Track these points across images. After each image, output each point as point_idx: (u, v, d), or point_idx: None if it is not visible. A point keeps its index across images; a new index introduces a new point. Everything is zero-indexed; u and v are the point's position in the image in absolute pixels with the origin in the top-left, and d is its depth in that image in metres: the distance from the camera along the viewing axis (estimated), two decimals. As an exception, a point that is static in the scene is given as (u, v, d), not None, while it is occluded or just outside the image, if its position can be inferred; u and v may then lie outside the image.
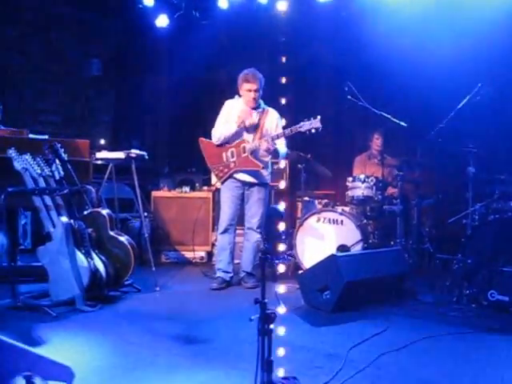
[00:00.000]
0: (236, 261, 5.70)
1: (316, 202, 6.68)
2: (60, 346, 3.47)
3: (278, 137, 5.14)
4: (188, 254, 6.80)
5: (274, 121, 5.35)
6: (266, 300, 2.58)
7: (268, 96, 5.42)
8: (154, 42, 8.36)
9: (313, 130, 4.91)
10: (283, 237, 5.82)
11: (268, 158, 5.45)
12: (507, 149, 5.77)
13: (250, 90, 5.26)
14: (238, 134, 5.29)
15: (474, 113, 5.41)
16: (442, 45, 6.04)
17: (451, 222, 5.67)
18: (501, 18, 5.65)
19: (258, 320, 2.55)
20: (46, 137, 5.51)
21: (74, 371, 2.42)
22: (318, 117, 4.89)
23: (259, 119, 5.33)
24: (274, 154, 5.24)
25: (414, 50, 6.09)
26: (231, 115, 5.36)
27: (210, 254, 6.83)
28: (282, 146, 5.34)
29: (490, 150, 5.31)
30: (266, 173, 5.42)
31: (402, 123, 5.62)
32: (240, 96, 5.42)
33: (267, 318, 2.53)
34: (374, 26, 6.44)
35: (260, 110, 5.39)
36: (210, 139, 5.37)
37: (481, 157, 5.17)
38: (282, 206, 3.49)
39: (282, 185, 6.63)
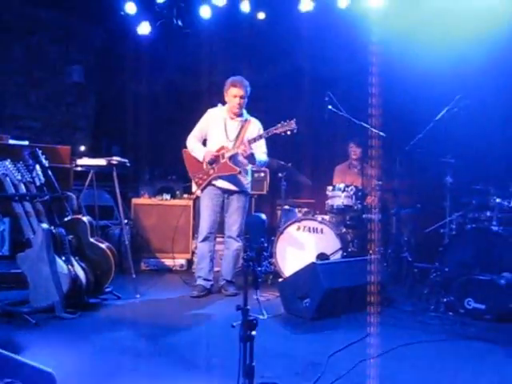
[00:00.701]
0: (216, 269, 5.71)
1: (296, 210, 6.72)
2: (39, 354, 3.44)
3: (254, 140, 5.16)
4: (168, 262, 6.78)
5: (255, 131, 5.36)
6: (248, 306, 2.60)
7: (248, 104, 5.45)
8: (136, 50, 8.35)
9: (288, 132, 4.96)
10: (265, 244, 5.86)
11: (248, 166, 5.49)
12: (484, 159, 5.87)
13: (236, 96, 5.29)
14: (218, 144, 5.33)
15: (452, 124, 5.51)
16: (422, 56, 6.13)
17: (429, 231, 5.76)
18: (480, 30, 5.75)
19: (239, 326, 2.57)
20: (27, 143, 5.49)
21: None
22: (293, 119, 4.96)
23: (240, 128, 5.37)
24: (251, 158, 5.22)
25: (395, 61, 6.17)
26: (208, 125, 5.43)
27: (190, 262, 6.82)
28: (261, 154, 5.37)
29: (467, 161, 5.40)
30: (246, 181, 5.45)
31: (382, 133, 5.70)
32: (223, 104, 5.46)
33: (249, 325, 2.55)
34: (356, 36, 6.52)
35: (243, 119, 5.42)
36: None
37: (458, 167, 5.27)
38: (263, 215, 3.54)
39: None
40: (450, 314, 4.66)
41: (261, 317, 4.11)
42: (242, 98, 5.31)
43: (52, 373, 2.28)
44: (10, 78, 8.02)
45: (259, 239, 2.70)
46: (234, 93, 5.29)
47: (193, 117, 5.58)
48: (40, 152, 4.73)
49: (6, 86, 8.03)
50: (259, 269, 2.68)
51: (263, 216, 3.30)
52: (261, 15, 7.46)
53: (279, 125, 4.99)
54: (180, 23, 7.92)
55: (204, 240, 5.41)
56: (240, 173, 5.31)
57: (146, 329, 4.13)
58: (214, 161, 5.29)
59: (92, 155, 6.19)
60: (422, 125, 5.47)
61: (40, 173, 4.59)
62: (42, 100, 8.36)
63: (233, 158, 5.29)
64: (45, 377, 2.27)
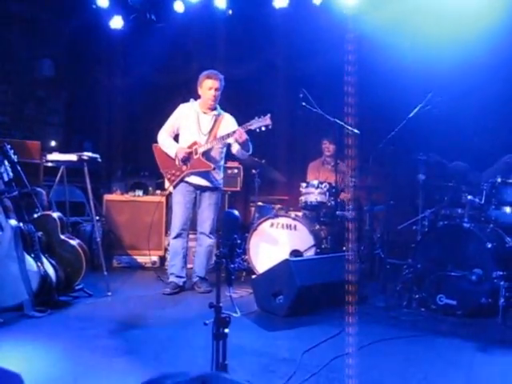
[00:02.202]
0: (189, 265, 5.67)
1: (270, 206, 6.71)
2: (8, 353, 3.37)
3: (228, 136, 5.12)
4: (140, 259, 6.71)
5: (229, 126, 5.31)
6: (220, 304, 2.58)
7: (222, 99, 5.41)
8: (109, 43, 8.24)
9: (263, 128, 4.92)
10: (239, 241, 5.84)
11: (221, 162, 5.46)
12: (456, 156, 5.93)
13: (211, 88, 5.24)
14: (191, 138, 5.28)
15: (425, 121, 5.55)
16: (396, 53, 6.18)
17: (402, 227, 5.81)
18: (452, 28, 5.82)
19: (212, 324, 2.54)
20: (-6, 137, 5.37)
21: (24, 379, 2.35)
22: (268, 114, 4.92)
23: (214, 122, 5.33)
24: (246, 144, 5.16)
25: (369, 58, 6.19)
26: (180, 120, 5.37)
27: (162, 259, 6.77)
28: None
29: (439, 158, 5.45)
30: (218, 177, 5.41)
31: (356, 130, 5.71)
32: (196, 99, 5.41)
33: (222, 322, 2.53)
34: (330, 33, 6.53)
35: (216, 113, 5.38)
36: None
37: (431, 164, 5.31)
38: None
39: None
40: (423, 309, 4.70)
41: (234, 314, 4.07)
42: (216, 90, 5.26)
43: (19, 375, 2.21)
44: (-23, 72, 7.85)
45: (232, 236, 2.66)
46: (209, 85, 5.24)
47: (166, 112, 5.52)
48: (9, 147, 4.63)
49: (-26, 80, 7.85)
50: (232, 266, 2.65)
51: (236, 212, 3.26)
52: (235, 11, 7.42)
53: (254, 120, 4.95)
54: (153, 17, 7.84)
55: (177, 237, 5.37)
56: (214, 169, 5.27)
57: (118, 327, 4.07)
58: (188, 158, 5.24)
59: (63, 150, 6.07)
60: (395, 122, 5.50)
61: (8, 168, 4.49)
62: (11, 94, 8.17)
63: (206, 153, 5.24)
64: (11, 379, 2.20)
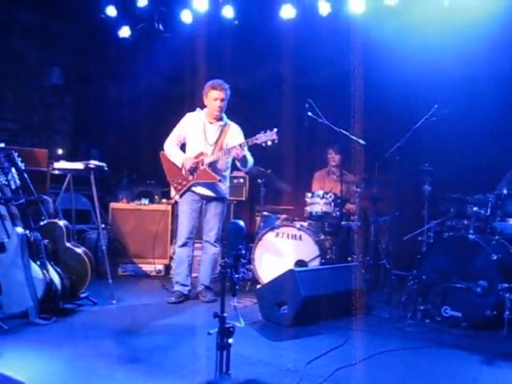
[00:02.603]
0: (194, 274, 5.68)
1: (275, 216, 6.71)
2: (12, 361, 3.37)
3: (230, 150, 5.12)
4: (145, 267, 6.72)
5: (235, 136, 5.34)
6: (225, 314, 2.58)
7: (228, 109, 5.43)
8: (117, 52, 8.30)
9: (269, 142, 4.91)
10: (243, 251, 5.85)
11: (227, 172, 5.47)
12: (462, 168, 5.93)
13: (216, 99, 5.26)
14: (197, 148, 5.30)
15: (431, 133, 5.56)
16: (402, 64, 6.18)
17: (407, 239, 5.80)
18: (459, 40, 5.83)
19: (216, 334, 2.55)
20: (3, 145, 5.41)
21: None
22: (275, 129, 4.91)
23: (220, 133, 5.35)
24: (243, 161, 5.19)
25: (376, 69, 6.22)
26: (186, 129, 5.40)
27: (167, 268, 6.77)
28: (249, 155, 5.33)
29: (445, 169, 5.45)
30: (224, 187, 5.43)
31: (361, 141, 5.72)
32: (202, 108, 5.43)
33: (226, 332, 2.53)
34: (337, 44, 6.55)
35: (222, 123, 5.40)
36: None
37: (436, 176, 5.31)
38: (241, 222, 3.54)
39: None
40: (427, 321, 4.69)
41: (238, 324, 4.07)
42: (222, 100, 5.28)
43: (23, 383, 2.22)
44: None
45: (237, 246, 2.67)
46: (215, 96, 5.26)
47: (173, 121, 5.55)
48: (16, 155, 4.66)
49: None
50: (237, 276, 2.66)
51: (241, 223, 3.28)
52: (242, 21, 7.45)
53: (260, 134, 4.93)
54: (161, 27, 7.89)
55: (182, 245, 5.38)
56: (220, 181, 5.29)
57: (122, 335, 4.08)
58: (194, 169, 5.26)
59: (71, 158, 6.12)
60: (401, 133, 5.51)
61: (16, 176, 4.51)
62: (20, 102, 8.23)
63: (212, 164, 5.26)
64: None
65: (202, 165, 5.24)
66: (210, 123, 5.38)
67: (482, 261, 4.53)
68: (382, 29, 6.29)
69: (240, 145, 5.06)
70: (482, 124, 5.92)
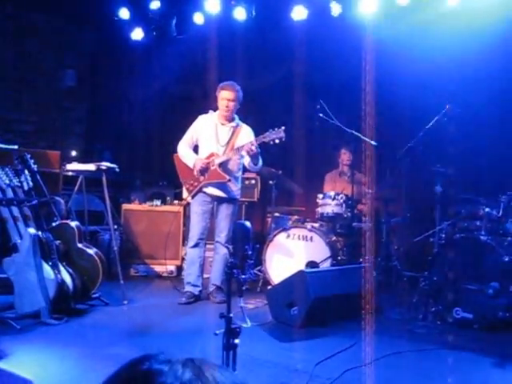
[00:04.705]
0: (205, 275, 5.69)
1: (286, 217, 6.71)
2: (23, 360, 3.42)
3: (242, 148, 5.13)
4: (157, 268, 6.75)
5: (246, 137, 5.34)
6: (231, 314, 2.59)
7: (240, 110, 5.45)
8: (130, 55, 8.35)
9: (277, 141, 4.93)
10: (250, 252, 5.86)
11: (239, 174, 5.49)
12: (474, 169, 5.88)
13: (224, 99, 5.28)
14: (209, 149, 5.33)
15: (443, 133, 5.52)
16: (415, 64, 6.15)
17: (418, 240, 5.77)
18: (472, 39, 5.78)
19: (222, 334, 2.56)
20: (16, 147, 5.47)
21: (36, 385, 2.39)
22: (282, 127, 4.92)
23: (232, 134, 5.37)
24: (255, 158, 5.17)
25: (388, 69, 6.19)
26: (198, 131, 5.43)
27: (179, 269, 6.79)
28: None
29: (457, 170, 5.41)
30: (235, 188, 5.44)
31: (373, 142, 5.71)
32: (215, 110, 5.45)
33: (232, 333, 2.54)
34: (348, 44, 6.54)
35: (234, 124, 5.42)
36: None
37: (448, 176, 5.28)
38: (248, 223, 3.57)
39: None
40: (439, 322, 4.66)
41: (244, 325, 4.08)
42: (230, 101, 5.29)
43: (32, 382, 2.24)
44: (2, 82, 7.99)
45: (243, 247, 2.68)
46: (223, 96, 5.29)
47: (185, 123, 5.58)
48: (29, 156, 4.71)
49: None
50: (243, 276, 2.67)
51: (248, 224, 3.31)
52: (254, 23, 7.47)
53: (268, 133, 4.96)
54: (174, 29, 7.93)
55: (194, 246, 5.40)
56: (230, 180, 5.30)
57: (133, 335, 4.11)
58: (205, 169, 5.28)
59: (84, 160, 6.16)
60: (412, 133, 5.49)
61: (28, 177, 4.57)
62: (35, 104, 8.32)
63: (223, 164, 5.28)
64: (24, 385, 2.24)
65: (213, 165, 5.26)
66: (222, 124, 5.40)
67: (494, 262, 4.50)
68: (393, 29, 6.27)
69: (251, 142, 5.07)
70: (494, 124, 5.88)
